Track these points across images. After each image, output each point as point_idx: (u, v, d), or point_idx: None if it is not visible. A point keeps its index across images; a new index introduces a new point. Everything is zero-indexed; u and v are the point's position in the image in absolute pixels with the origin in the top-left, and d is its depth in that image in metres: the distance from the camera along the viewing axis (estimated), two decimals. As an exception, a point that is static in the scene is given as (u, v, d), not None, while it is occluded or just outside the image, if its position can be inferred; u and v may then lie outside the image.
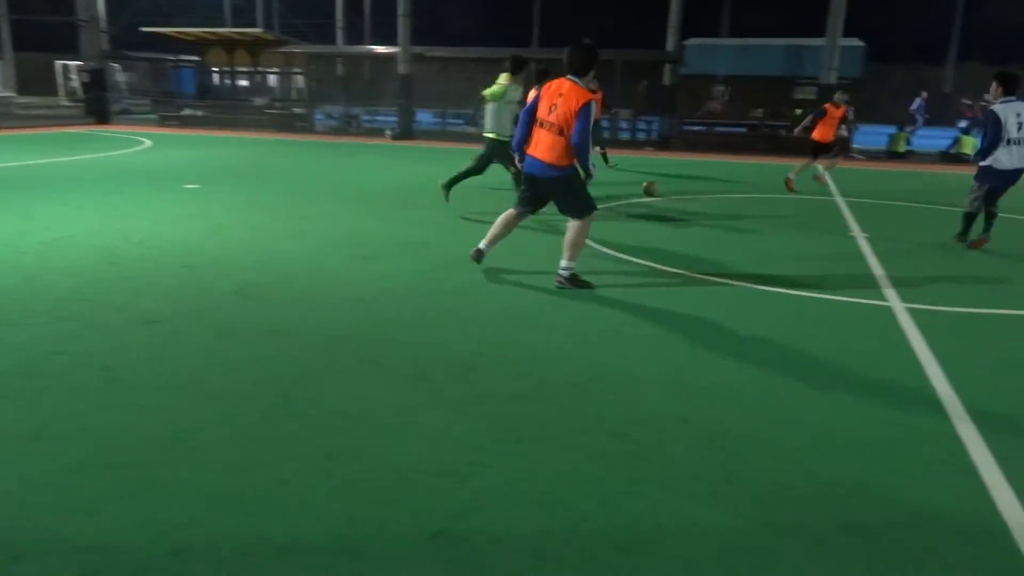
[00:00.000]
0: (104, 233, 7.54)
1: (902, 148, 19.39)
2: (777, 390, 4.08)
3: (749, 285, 6.24)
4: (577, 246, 5.96)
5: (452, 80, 26.74)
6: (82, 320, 4.88)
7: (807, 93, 19.60)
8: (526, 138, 5.99)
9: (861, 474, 3.18)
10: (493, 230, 6.28)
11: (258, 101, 25.25)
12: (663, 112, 21.51)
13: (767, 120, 20.53)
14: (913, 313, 5.53)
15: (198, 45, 27.02)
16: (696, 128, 21.46)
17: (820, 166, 12.90)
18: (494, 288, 6.00)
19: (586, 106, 5.52)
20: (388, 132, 21.66)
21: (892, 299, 5.92)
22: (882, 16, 33.80)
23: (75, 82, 29.55)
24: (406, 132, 21.68)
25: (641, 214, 9.71)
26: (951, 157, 18.67)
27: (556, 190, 5.91)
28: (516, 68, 9.03)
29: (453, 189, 9.39)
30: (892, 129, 20.83)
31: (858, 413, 3.81)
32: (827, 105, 12.55)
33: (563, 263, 5.98)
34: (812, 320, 5.39)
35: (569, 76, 5.71)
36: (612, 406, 3.80)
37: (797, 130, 13.15)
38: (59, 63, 35.46)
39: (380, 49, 25.13)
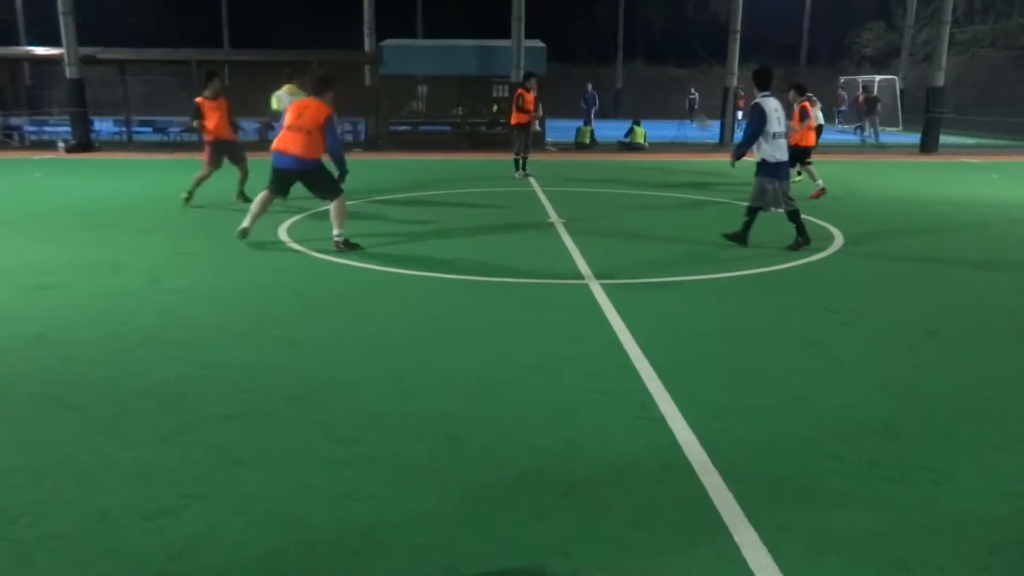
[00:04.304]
0: None
1: (587, 140, 21.39)
2: (493, 374, 4.31)
3: (462, 277, 6.50)
4: (341, 216, 7.53)
5: (135, 84, 24.43)
6: None
7: (501, 91, 20.89)
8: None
9: (571, 440, 3.47)
10: (253, 208, 7.62)
11: None
12: (367, 113, 21.55)
13: (467, 118, 21.46)
14: (606, 288, 6.14)
15: None
16: (401, 128, 21.82)
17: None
18: (200, 305, 5.61)
19: (329, 118, 7.29)
20: (61, 144, 19.22)
21: (588, 277, 6.51)
22: (559, 19, 36.86)
23: None
24: (83, 143, 19.40)
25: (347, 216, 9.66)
26: (627, 145, 20.96)
27: (310, 178, 7.48)
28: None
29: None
30: (579, 123, 22.92)
31: (565, 384, 4.16)
32: (520, 91, 13.69)
33: (336, 231, 7.51)
34: (520, 304, 5.75)
35: (312, 95, 7.49)
36: (336, 413, 3.75)
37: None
38: None
39: (41, 50, 22.23)
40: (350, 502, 2.93)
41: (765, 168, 7.66)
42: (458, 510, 2.88)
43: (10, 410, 3.76)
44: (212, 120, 9.84)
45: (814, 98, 13.15)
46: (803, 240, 7.80)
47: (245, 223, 7.57)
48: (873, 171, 15.98)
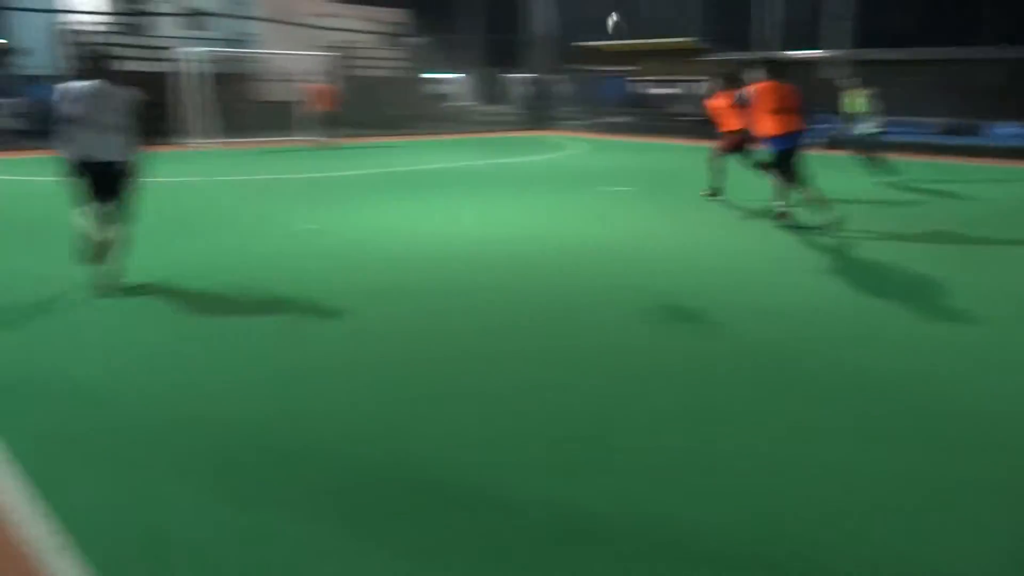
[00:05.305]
0: (551, 228, 8.36)
1: None
2: None
3: None
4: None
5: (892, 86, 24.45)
6: (529, 301, 5.45)
7: None
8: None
9: None
10: (780, 191, 8.30)
11: (682, 108, 25.83)
12: None
13: None
14: None
15: (630, 56, 28.63)
16: None
17: None
18: (921, 313, 5.27)
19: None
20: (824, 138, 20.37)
21: None
22: None
23: (520, 93, 33.28)
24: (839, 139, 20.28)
25: None
26: None
27: (799, 154, 8.06)
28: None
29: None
30: None
31: None
32: None
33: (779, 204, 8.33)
34: None
35: (774, 79, 8.13)
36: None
37: None
38: (508, 76, 40.38)
39: (811, 53, 23.99)
40: None
41: None
42: None
43: (759, 375, 4.15)
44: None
45: None
46: None
47: (785, 209, 8.30)
48: None
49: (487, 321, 5.11)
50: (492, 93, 39.79)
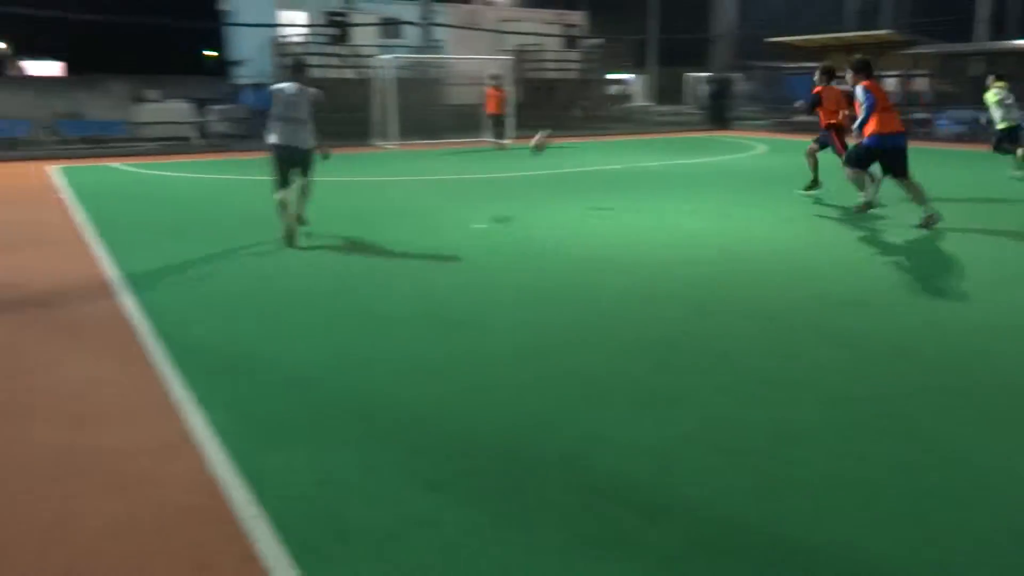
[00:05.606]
0: (724, 232, 8.21)
1: None
2: None
3: None
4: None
5: None
6: (704, 307, 5.43)
7: None
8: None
9: None
10: (916, 196, 7.98)
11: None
12: None
13: None
14: None
15: (818, 51, 27.19)
16: None
17: None
18: None
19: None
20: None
21: None
22: None
23: (698, 92, 32.52)
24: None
25: None
26: None
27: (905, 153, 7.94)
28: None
29: None
30: None
31: None
32: None
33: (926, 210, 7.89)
34: None
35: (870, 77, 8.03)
36: None
37: None
38: (688, 75, 39.64)
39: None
40: None
41: None
42: None
43: (972, 397, 3.92)
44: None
45: None
46: None
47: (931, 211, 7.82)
48: None
49: (668, 325, 5.17)
50: (670, 93, 39.25)
